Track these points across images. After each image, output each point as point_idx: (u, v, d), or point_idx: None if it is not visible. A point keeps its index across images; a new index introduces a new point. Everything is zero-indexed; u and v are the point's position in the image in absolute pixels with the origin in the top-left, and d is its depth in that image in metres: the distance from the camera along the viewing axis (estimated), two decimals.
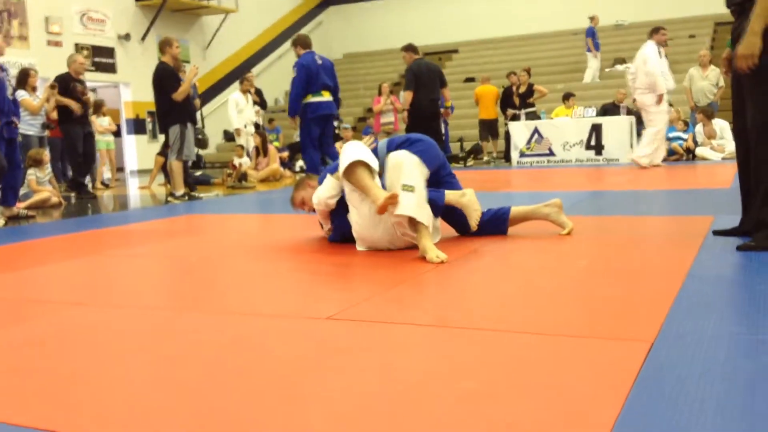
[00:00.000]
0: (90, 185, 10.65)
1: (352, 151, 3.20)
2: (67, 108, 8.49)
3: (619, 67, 15.66)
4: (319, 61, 7.64)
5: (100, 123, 10.97)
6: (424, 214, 3.12)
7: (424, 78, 8.56)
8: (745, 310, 2.07)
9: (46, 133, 8.57)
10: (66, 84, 8.47)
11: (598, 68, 15.27)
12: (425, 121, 8.52)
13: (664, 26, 8.79)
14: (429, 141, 3.50)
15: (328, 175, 3.47)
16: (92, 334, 2.16)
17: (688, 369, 1.57)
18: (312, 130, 7.65)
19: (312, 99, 7.55)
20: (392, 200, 3.03)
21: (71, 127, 8.65)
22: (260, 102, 11.66)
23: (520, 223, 3.72)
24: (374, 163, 3.22)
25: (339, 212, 3.47)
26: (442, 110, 9.04)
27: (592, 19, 14.85)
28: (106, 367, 1.81)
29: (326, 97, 7.61)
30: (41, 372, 1.79)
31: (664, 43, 8.51)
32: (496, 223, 3.66)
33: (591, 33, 14.78)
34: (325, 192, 3.44)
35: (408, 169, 3.19)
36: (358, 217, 3.29)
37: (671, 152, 10.55)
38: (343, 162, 3.17)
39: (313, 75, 7.47)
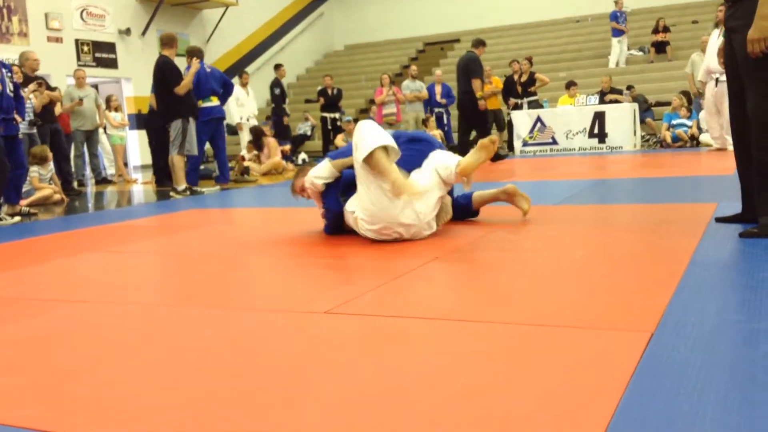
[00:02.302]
0: (93, 180, 10.69)
1: (370, 134, 3.22)
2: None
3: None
4: (208, 69, 8.34)
5: (113, 118, 10.96)
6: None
7: (457, 72, 9.34)
8: (746, 298, 2.05)
9: (35, 130, 8.47)
10: (26, 83, 8.36)
11: (623, 53, 15.04)
12: (460, 113, 9.41)
13: (721, 5, 8.47)
14: (428, 143, 3.64)
15: (326, 159, 3.58)
16: (91, 332, 2.15)
17: (688, 359, 1.56)
18: (201, 133, 8.16)
19: (203, 105, 8.13)
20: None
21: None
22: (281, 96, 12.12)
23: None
24: (393, 144, 3.26)
25: (329, 194, 3.56)
26: (480, 102, 9.29)
27: (616, 2, 14.68)
28: (104, 365, 1.80)
29: (215, 102, 8.32)
30: (39, 370, 1.78)
31: (720, 22, 8.32)
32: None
33: (614, 17, 14.61)
34: (316, 172, 3.55)
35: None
36: (377, 195, 3.26)
37: (675, 139, 10.50)
38: (363, 147, 3.18)
39: (201, 82, 8.08)
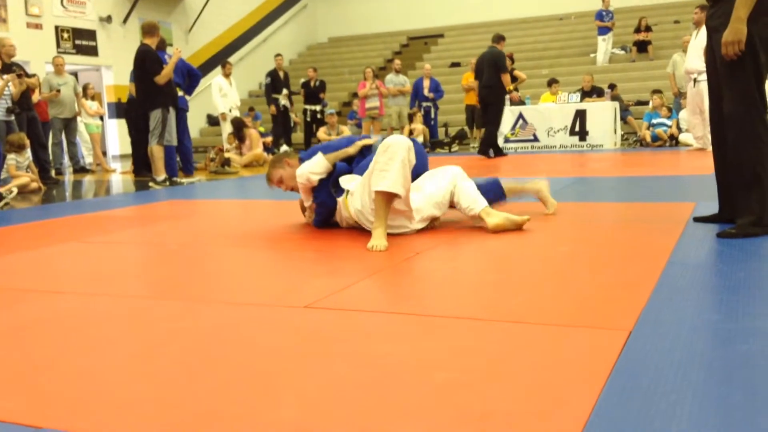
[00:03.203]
0: (71, 168, 10.56)
1: (398, 167, 3.04)
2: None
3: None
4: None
5: (89, 106, 10.82)
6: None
7: (479, 66, 9.62)
8: (724, 298, 2.07)
9: (12, 117, 8.34)
10: (4, 70, 8.22)
11: (608, 51, 15.12)
12: (481, 106, 9.79)
13: (701, 5, 8.72)
14: (419, 151, 3.56)
15: (320, 153, 3.50)
16: (68, 323, 2.12)
17: (665, 358, 1.57)
18: None
19: None
20: (375, 248, 3.01)
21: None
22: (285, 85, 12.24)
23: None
24: (405, 187, 3.12)
25: (321, 189, 3.50)
26: (513, 93, 9.56)
27: (603, 1, 14.78)
28: (80, 357, 1.78)
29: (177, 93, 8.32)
30: (14, 362, 1.76)
31: (698, 24, 8.56)
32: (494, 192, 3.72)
33: (599, 16, 14.70)
34: (311, 167, 3.46)
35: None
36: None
37: (655, 138, 10.58)
38: (387, 178, 3.05)
39: None
